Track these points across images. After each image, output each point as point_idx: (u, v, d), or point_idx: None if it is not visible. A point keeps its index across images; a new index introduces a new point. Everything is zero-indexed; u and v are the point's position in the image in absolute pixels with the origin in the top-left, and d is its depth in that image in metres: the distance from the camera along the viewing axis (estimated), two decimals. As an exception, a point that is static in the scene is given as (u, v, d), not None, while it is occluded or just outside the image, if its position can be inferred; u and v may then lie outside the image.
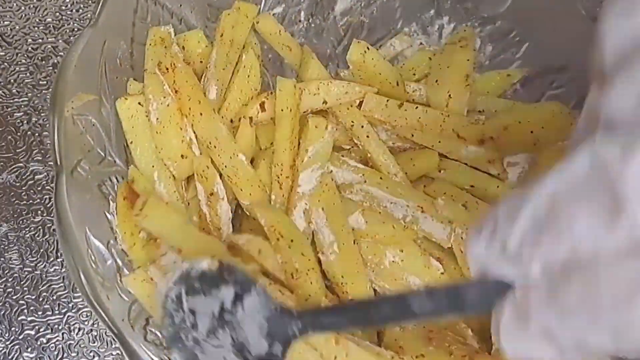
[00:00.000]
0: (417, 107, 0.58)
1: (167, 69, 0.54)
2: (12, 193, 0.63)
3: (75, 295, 0.60)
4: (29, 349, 0.59)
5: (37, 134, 0.65)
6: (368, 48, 0.60)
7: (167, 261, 0.51)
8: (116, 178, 0.53)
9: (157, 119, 0.53)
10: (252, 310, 0.43)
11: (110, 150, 0.53)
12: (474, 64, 0.61)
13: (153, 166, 0.53)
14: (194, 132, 0.55)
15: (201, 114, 0.54)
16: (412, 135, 0.58)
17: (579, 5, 0.55)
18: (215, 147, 0.54)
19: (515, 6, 0.61)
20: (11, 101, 0.66)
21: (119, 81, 0.54)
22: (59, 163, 0.45)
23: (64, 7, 0.69)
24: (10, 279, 0.61)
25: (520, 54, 0.62)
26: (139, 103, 0.53)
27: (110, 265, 0.48)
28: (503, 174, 0.56)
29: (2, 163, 0.64)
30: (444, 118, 0.57)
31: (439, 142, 0.57)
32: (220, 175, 0.55)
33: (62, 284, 0.61)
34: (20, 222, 0.62)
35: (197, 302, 0.44)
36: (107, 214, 0.51)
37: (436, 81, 0.60)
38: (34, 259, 0.61)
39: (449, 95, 0.58)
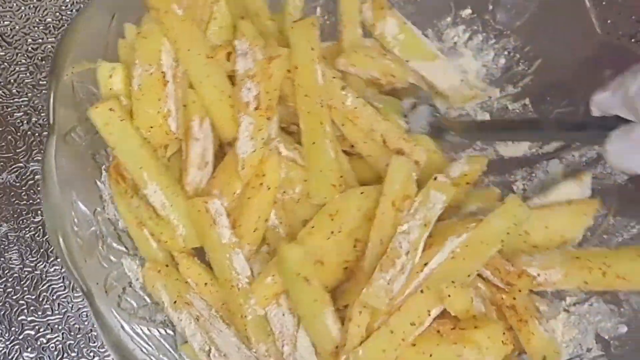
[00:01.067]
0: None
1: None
2: (12, 193, 0.63)
3: (76, 295, 0.60)
4: (29, 349, 0.59)
5: (37, 134, 0.65)
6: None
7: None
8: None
9: (139, 85, 0.52)
10: None
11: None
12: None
13: (141, 167, 0.52)
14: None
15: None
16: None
17: (597, 26, 0.56)
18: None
19: (532, 21, 0.60)
20: (11, 101, 0.66)
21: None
22: (50, 123, 0.47)
23: (64, 7, 0.69)
24: (10, 279, 0.61)
25: (532, 70, 0.62)
26: (110, 109, 0.51)
27: (94, 231, 0.49)
28: None
29: (2, 163, 0.64)
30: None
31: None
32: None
33: (62, 284, 0.61)
34: (20, 222, 0.62)
35: None
36: (99, 183, 0.51)
37: None
38: (34, 259, 0.61)
39: None
